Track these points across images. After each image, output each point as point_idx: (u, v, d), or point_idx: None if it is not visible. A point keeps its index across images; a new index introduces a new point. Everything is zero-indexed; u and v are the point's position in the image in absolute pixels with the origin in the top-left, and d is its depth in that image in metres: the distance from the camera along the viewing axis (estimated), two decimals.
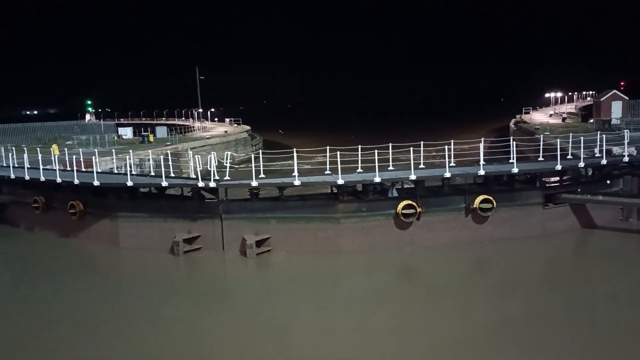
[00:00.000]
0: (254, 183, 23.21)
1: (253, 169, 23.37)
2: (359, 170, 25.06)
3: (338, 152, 23.01)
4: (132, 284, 21.91)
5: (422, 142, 25.11)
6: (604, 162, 24.98)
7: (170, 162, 26.08)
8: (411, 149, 23.63)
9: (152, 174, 27.39)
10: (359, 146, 25.14)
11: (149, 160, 30.21)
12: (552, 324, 16.30)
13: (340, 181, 22.84)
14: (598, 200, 24.51)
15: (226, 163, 24.57)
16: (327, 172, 25.30)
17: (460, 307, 17.86)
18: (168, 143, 49.87)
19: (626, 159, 25.39)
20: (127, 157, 26.90)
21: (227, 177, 24.07)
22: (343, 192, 23.37)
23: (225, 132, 67.80)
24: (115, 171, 32.49)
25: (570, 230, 24.86)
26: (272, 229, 23.57)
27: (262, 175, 24.58)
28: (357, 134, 62.75)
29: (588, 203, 24.76)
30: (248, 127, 76.72)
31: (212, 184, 23.29)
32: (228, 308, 18.70)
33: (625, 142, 25.60)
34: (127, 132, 63.90)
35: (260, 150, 28.06)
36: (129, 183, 24.29)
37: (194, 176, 24.80)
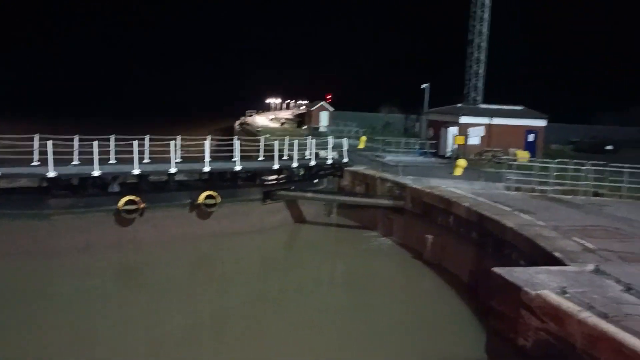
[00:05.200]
0: None
1: None
2: (75, 162, 22.83)
3: (49, 142, 20.50)
4: None
5: (147, 136, 24.24)
6: (312, 163, 28.43)
7: None
8: (135, 142, 22.58)
9: None
10: (77, 136, 22.86)
11: None
12: (268, 307, 17.83)
13: (52, 174, 20.47)
14: (307, 197, 27.73)
15: None
16: (36, 162, 22.35)
17: (183, 302, 17.93)
18: None
19: (330, 161, 29.53)
20: None
21: None
22: (56, 186, 20.98)
23: None
24: None
25: (284, 224, 27.49)
26: None
27: None
28: (67, 125, 57.11)
29: (299, 199, 27.79)
30: None
31: None
32: None
33: (329, 146, 29.67)
34: None
35: None
36: None
37: None
